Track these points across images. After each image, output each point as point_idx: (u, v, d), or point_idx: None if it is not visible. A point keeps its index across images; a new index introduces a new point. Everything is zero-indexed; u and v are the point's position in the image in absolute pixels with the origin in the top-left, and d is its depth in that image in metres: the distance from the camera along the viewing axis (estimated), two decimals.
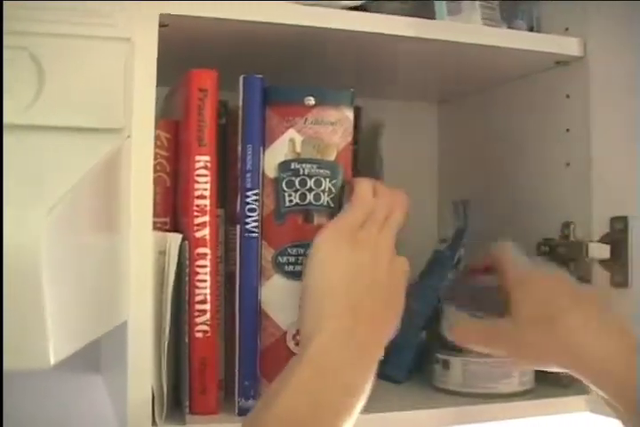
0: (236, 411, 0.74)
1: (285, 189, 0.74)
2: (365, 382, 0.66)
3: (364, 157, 1.00)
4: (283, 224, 0.75)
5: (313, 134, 0.75)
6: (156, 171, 0.71)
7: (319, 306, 0.68)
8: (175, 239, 0.71)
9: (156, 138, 0.71)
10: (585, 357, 0.72)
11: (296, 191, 0.74)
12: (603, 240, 0.83)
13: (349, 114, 0.76)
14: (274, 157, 0.75)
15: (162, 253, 0.71)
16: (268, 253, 0.75)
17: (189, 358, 0.73)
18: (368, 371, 0.67)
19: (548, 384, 0.86)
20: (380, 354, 0.70)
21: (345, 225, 0.71)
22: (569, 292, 0.76)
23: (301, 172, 0.74)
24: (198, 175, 0.73)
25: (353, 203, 0.72)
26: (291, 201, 0.74)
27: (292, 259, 0.74)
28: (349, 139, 0.76)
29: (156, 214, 0.71)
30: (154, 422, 0.69)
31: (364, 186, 0.74)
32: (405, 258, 0.73)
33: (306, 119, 0.74)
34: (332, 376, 0.65)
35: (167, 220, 0.76)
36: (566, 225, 0.87)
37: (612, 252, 0.82)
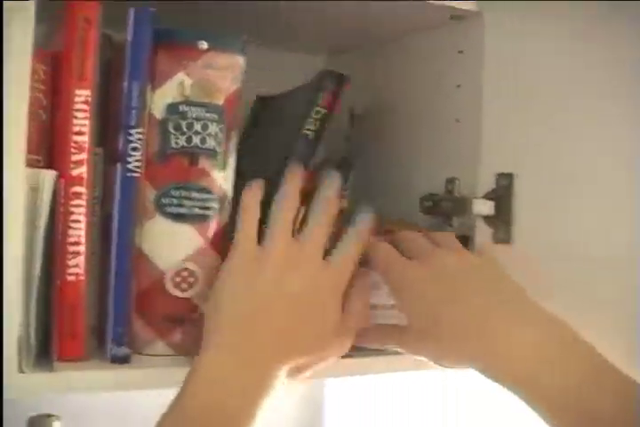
0: (109, 357, 0.71)
1: (172, 131, 0.73)
2: (260, 393, 0.66)
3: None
4: (167, 165, 0.73)
5: (203, 78, 0.73)
6: (31, 105, 0.66)
7: (208, 323, 0.69)
8: (49, 176, 0.67)
9: (33, 70, 0.67)
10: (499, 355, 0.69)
11: (183, 134, 0.73)
12: (487, 196, 0.83)
13: (241, 60, 0.75)
14: (162, 98, 0.73)
15: (34, 191, 0.67)
16: (150, 194, 0.73)
17: (59, 301, 0.69)
18: (260, 383, 0.67)
19: None
20: (282, 365, 0.68)
21: (239, 250, 0.71)
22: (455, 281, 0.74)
23: (189, 115, 0.73)
24: (77, 110, 0.69)
25: (239, 219, 0.73)
26: (177, 143, 0.73)
27: (175, 201, 0.73)
28: (239, 84, 0.76)
29: (30, 151, 0.66)
30: (21, 369, 0.66)
31: (247, 197, 0.74)
32: (337, 269, 0.72)
33: (197, 63, 0.73)
34: (223, 387, 0.66)
35: (41, 158, 0.72)
36: (450, 181, 0.87)
37: (497, 208, 0.82)
